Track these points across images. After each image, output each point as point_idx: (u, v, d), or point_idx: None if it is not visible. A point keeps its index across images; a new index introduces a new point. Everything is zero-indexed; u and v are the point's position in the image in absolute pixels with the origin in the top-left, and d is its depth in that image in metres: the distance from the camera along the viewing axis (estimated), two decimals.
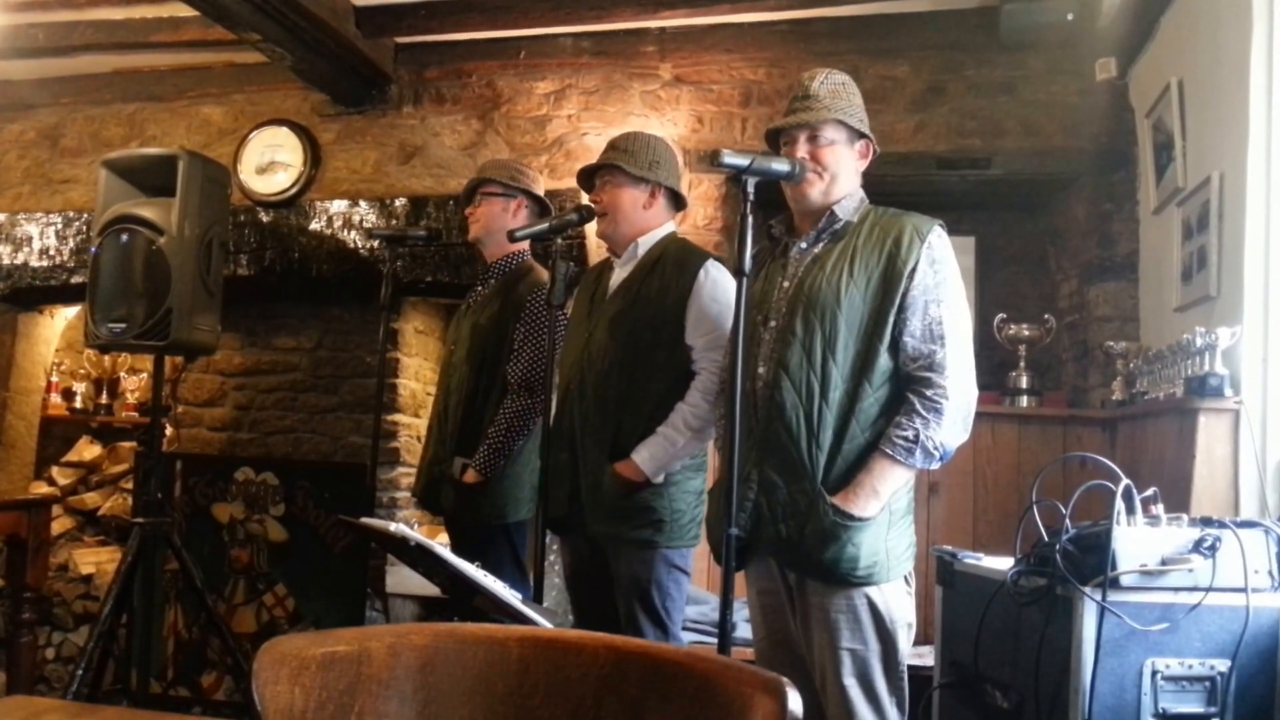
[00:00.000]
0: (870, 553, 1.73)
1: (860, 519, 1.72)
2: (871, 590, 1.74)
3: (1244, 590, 1.59)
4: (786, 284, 1.87)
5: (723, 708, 0.92)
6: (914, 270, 1.76)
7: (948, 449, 1.75)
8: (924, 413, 1.73)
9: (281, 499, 3.56)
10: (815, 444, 1.75)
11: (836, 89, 1.88)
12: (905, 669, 1.79)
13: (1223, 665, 1.59)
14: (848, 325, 1.77)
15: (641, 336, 2.16)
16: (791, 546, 1.76)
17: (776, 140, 1.93)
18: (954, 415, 1.74)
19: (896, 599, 1.77)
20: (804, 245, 1.89)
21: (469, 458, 2.49)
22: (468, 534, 2.54)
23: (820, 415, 1.75)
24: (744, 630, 2.75)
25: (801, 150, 1.85)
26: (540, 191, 2.72)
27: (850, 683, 1.74)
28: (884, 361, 1.77)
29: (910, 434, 1.72)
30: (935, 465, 1.77)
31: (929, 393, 1.73)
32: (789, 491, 1.77)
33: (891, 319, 1.76)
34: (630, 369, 2.15)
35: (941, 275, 1.78)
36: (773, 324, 1.84)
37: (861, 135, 1.89)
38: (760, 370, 1.82)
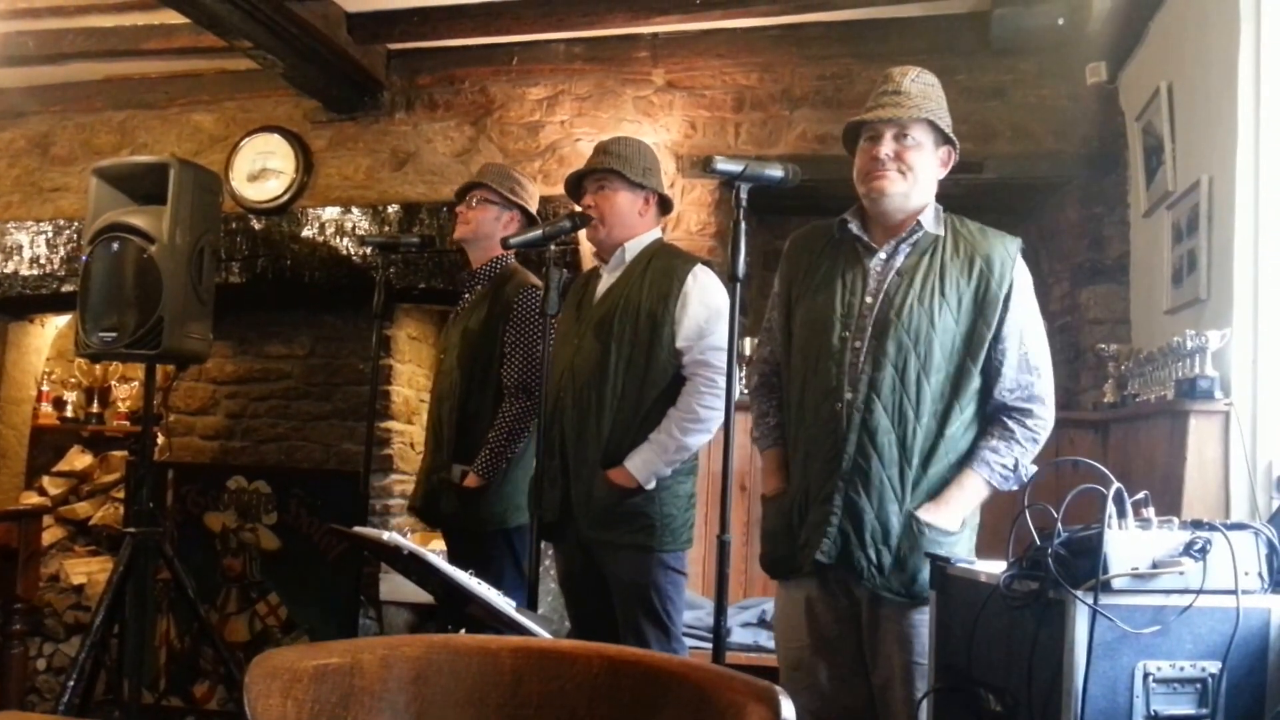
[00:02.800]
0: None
1: (949, 533, 1.75)
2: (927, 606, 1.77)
3: (1234, 592, 1.59)
4: (869, 299, 1.78)
5: (717, 716, 0.92)
6: (1008, 296, 1.75)
7: (1031, 472, 1.79)
8: (1024, 443, 1.76)
9: (274, 507, 3.54)
10: (907, 466, 1.75)
11: (927, 89, 1.80)
12: None
13: (1214, 667, 1.59)
14: (941, 348, 1.74)
15: (630, 341, 2.15)
16: (885, 571, 1.75)
17: (856, 135, 1.84)
18: (1043, 442, 1.79)
19: None
20: (883, 256, 1.81)
21: (467, 463, 2.48)
22: (469, 541, 2.53)
23: (914, 438, 1.74)
24: (739, 635, 2.76)
25: (886, 147, 1.76)
26: (534, 207, 2.72)
27: (916, 693, 1.76)
28: (975, 384, 1.76)
29: (1010, 462, 1.75)
30: (1016, 488, 1.80)
31: (1030, 423, 1.76)
32: (878, 516, 1.75)
33: (987, 343, 1.75)
34: (619, 374, 2.15)
35: (1033, 304, 1.80)
36: (858, 344, 1.77)
37: (947, 140, 1.82)
38: (848, 395, 1.76)
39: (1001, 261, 1.76)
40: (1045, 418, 1.76)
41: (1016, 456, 1.75)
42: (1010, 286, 1.75)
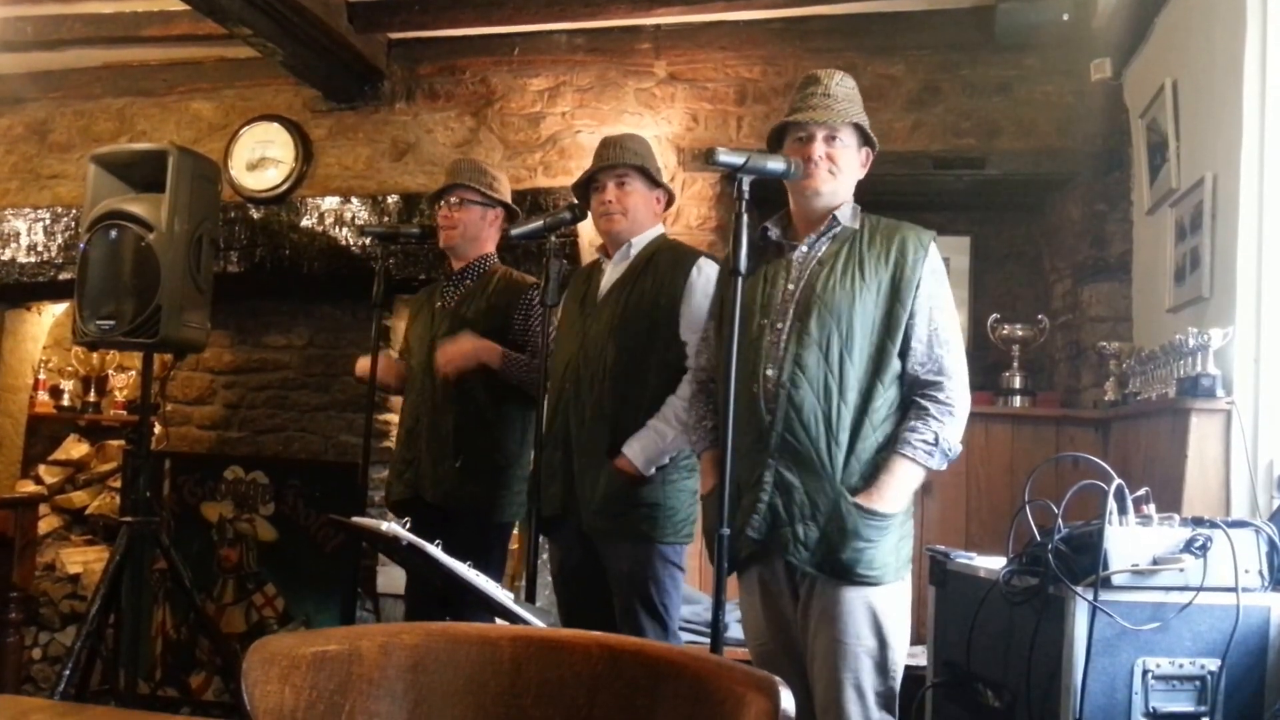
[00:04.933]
0: (884, 553, 1.77)
1: (885, 516, 1.76)
2: (875, 591, 1.77)
3: (1234, 590, 1.59)
4: (790, 286, 1.86)
5: (716, 707, 0.91)
6: (920, 279, 1.82)
7: (957, 449, 1.82)
8: (939, 416, 1.79)
9: (271, 498, 3.54)
10: (834, 443, 1.78)
11: (851, 93, 1.90)
12: (899, 672, 1.81)
13: (1213, 664, 1.59)
14: (862, 327, 1.80)
15: (637, 334, 2.17)
16: (810, 547, 1.77)
17: (781, 134, 1.91)
18: (961, 417, 1.82)
19: (897, 601, 1.81)
20: (804, 248, 1.89)
21: (470, 455, 2.48)
22: (472, 530, 2.50)
23: (839, 415, 1.78)
24: (736, 630, 2.75)
25: (819, 148, 1.85)
26: (509, 196, 2.71)
27: (845, 678, 1.76)
28: (895, 364, 1.81)
29: (930, 436, 1.78)
30: (945, 465, 1.83)
31: (941, 396, 1.80)
32: (807, 491, 1.78)
33: (904, 323, 1.81)
34: (626, 366, 2.16)
35: (941, 285, 1.86)
36: (779, 325, 1.84)
37: (867, 143, 1.91)
38: (769, 372, 1.82)
39: (915, 248, 1.84)
40: (956, 391, 1.81)
41: (935, 430, 1.78)
42: (922, 270, 1.82)
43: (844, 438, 1.78)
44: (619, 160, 2.25)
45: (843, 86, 1.88)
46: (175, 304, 2.69)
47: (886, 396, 1.81)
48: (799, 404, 1.78)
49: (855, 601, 1.77)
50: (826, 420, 1.78)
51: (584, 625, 2.15)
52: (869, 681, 1.77)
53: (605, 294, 2.26)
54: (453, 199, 2.61)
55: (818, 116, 1.84)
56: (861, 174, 1.93)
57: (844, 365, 1.79)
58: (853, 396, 1.79)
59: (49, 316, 4.28)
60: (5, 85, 3.97)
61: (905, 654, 1.83)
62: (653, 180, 2.27)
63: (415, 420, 2.59)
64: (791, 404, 1.79)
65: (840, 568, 1.76)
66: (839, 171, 1.86)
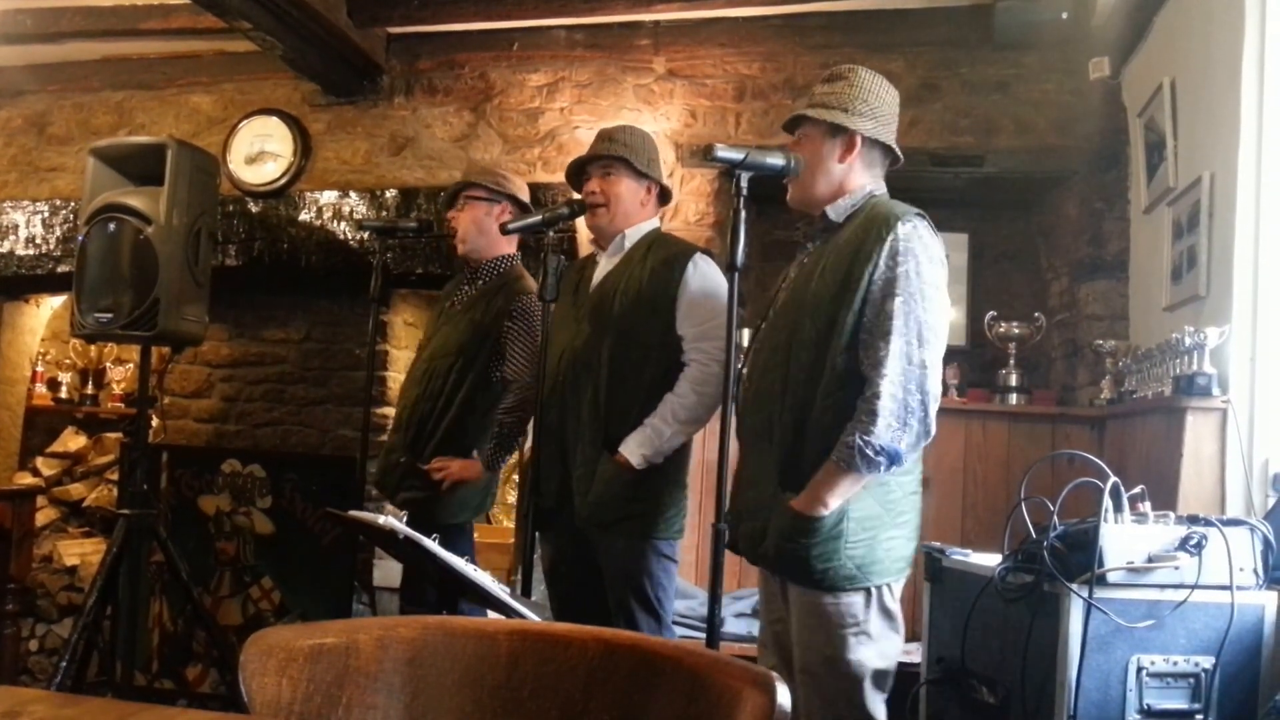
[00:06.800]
0: (822, 558, 1.68)
1: (810, 519, 1.67)
2: (829, 597, 1.71)
3: (1229, 588, 1.60)
4: (784, 284, 1.90)
5: (712, 702, 0.92)
6: (879, 263, 1.68)
7: (893, 450, 1.63)
8: (861, 416, 1.64)
9: (269, 491, 3.54)
10: (766, 441, 1.78)
11: (837, 87, 1.82)
12: (865, 681, 1.72)
13: (1207, 662, 1.60)
14: (814, 325, 1.73)
15: (630, 327, 2.16)
16: (751, 539, 1.79)
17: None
18: (889, 416, 1.62)
19: (855, 610, 1.71)
20: (808, 248, 1.90)
21: (453, 456, 2.49)
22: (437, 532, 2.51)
23: (779, 413, 1.76)
24: (732, 625, 2.76)
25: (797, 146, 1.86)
26: (525, 196, 2.69)
27: (802, 679, 1.76)
28: (841, 362, 1.69)
29: (850, 440, 1.64)
30: (885, 472, 1.66)
31: (867, 393, 1.65)
32: (757, 489, 1.79)
33: (850, 319, 1.68)
34: (619, 360, 2.16)
35: (902, 268, 1.66)
36: (762, 325, 1.88)
37: (839, 130, 1.79)
38: (743, 371, 1.86)
39: (878, 231, 1.68)
40: (884, 386, 1.62)
41: (855, 432, 1.62)
42: (878, 256, 1.67)
43: (784, 438, 1.73)
44: (603, 152, 2.25)
45: (828, 84, 1.84)
46: (173, 297, 2.69)
47: (835, 398, 1.68)
48: (750, 402, 1.81)
49: (810, 606, 1.73)
50: (768, 419, 1.76)
51: (576, 619, 2.16)
52: (829, 689, 1.73)
53: (597, 287, 2.26)
54: (460, 202, 2.62)
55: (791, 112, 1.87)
56: (847, 159, 1.79)
57: (789, 365, 1.74)
58: (797, 394, 1.72)
59: (47, 309, 4.28)
60: (4, 78, 3.96)
61: (872, 665, 1.74)
62: (641, 171, 2.25)
63: (407, 416, 2.60)
64: (744, 402, 1.81)
65: (766, 560, 1.78)
66: (804, 165, 1.78)
